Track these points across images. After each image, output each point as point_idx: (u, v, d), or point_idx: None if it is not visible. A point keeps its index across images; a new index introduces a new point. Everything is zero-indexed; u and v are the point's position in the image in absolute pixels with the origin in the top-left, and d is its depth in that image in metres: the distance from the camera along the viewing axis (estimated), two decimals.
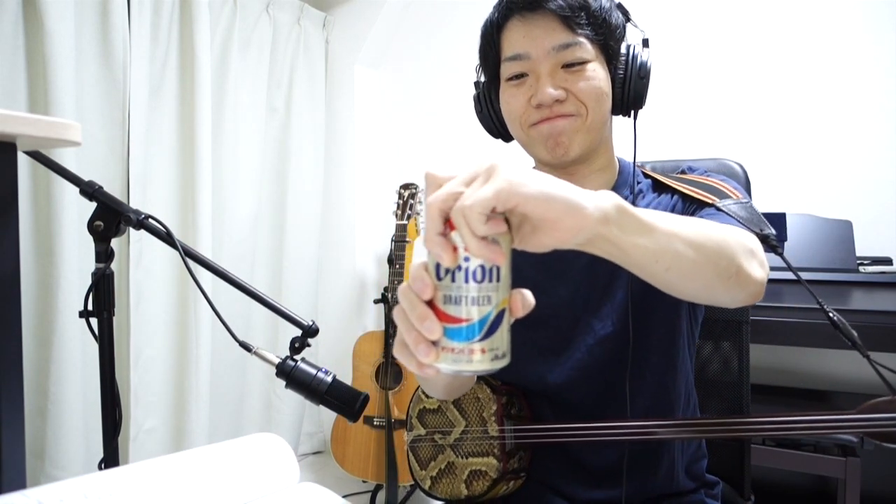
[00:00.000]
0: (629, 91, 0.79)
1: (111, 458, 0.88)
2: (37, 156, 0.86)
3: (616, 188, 0.86)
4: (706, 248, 0.57)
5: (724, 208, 0.74)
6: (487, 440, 0.80)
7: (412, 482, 2.07)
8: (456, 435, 0.83)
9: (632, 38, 0.82)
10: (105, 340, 0.87)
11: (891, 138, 1.82)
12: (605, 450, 0.82)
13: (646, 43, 0.81)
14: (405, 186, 2.18)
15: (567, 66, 0.76)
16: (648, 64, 0.79)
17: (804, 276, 0.73)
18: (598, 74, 0.77)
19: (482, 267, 0.40)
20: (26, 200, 1.66)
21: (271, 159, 2.44)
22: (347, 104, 2.64)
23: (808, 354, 1.90)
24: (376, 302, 2.35)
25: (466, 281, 0.40)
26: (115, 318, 0.89)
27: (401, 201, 2.16)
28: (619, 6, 0.80)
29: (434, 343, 0.42)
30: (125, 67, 1.82)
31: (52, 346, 1.67)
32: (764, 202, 1.79)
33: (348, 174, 2.65)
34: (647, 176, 0.89)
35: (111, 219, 0.85)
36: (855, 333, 0.69)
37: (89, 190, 0.85)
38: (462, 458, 0.82)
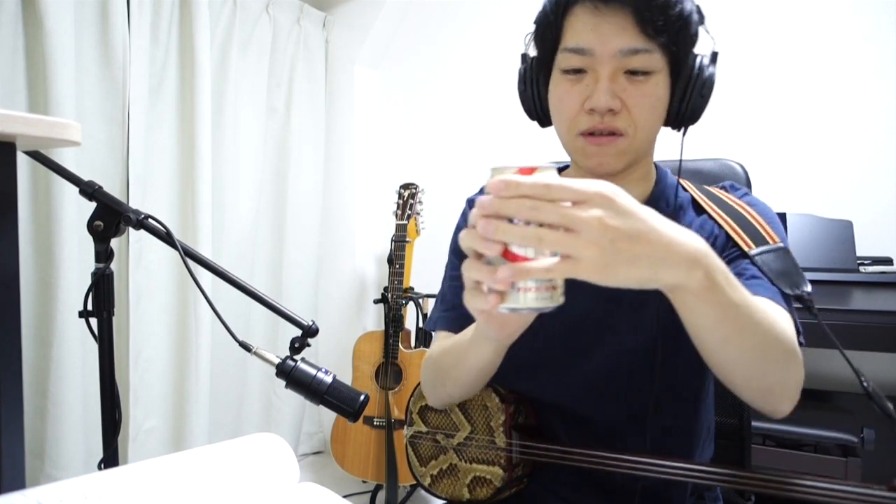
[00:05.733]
0: (687, 107, 0.72)
1: (111, 458, 0.88)
2: (37, 156, 0.86)
3: (652, 201, 0.80)
4: (760, 357, 0.61)
5: (757, 261, 0.70)
6: (494, 450, 0.78)
7: (412, 482, 2.09)
8: (460, 439, 0.82)
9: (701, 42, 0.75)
10: (105, 340, 0.87)
11: (891, 138, 1.82)
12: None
13: (714, 58, 0.73)
14: (405, 186, 2.17)
15: (630, 72, 0.69)
16: (713, 81, 0.72)
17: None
18: (658, 90, 0.70)
19: None
20: (26, 200, 1.66)
21: (271, 159, 2.44)
22: (347, 104, 2.64)
23: (808, 354, 1.89)
24: (376, 302, 2.34)
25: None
26: (114, 318, 0.90)
27: (401, 201, 2.16)
28: (698, 9, 0.72)
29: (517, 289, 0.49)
30: (125, 67, 1.82)
31: (52, 346, 1.67)
32: (764, 202, 1.78)
33: (348, 174, 2.65)
34: (685, 189, 0.83)
35: (111, 219, 0.85)
36: (890, 406, 0.64)
37: (89, 190, 0.85)
38: (466, 462, 0.80)
